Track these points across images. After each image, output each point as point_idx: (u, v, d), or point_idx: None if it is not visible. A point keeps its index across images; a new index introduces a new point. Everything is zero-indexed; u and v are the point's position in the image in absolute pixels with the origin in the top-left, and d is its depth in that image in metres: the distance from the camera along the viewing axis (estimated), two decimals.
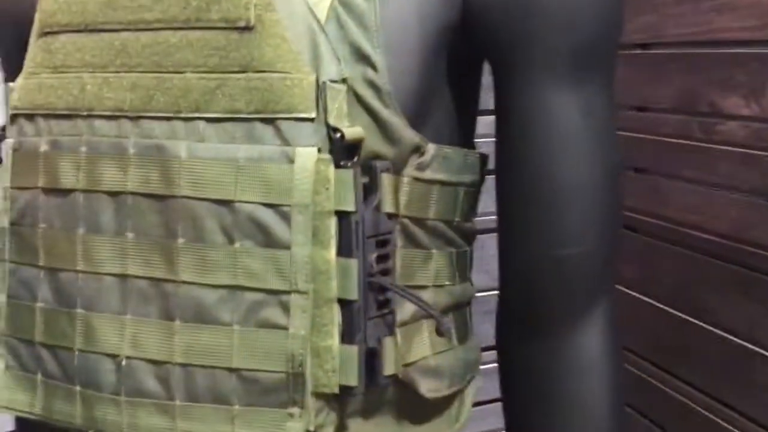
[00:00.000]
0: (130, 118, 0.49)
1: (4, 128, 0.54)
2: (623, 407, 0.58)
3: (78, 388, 0.50)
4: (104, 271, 0.49)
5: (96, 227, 0.49)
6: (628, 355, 1.32)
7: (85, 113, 0.50)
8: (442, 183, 0.53)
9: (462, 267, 0.58)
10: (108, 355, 0.49)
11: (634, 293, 1.31)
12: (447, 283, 0.56)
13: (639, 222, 1.27)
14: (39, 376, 0.52)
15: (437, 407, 0.56)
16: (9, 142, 0.53)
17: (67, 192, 0.50)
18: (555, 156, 0.53)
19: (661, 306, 1.25)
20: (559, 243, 0.54)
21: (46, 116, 0.51)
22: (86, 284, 0.50)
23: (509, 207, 0.56)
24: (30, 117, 0.52)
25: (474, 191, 0.58)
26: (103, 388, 0.50)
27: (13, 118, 0.53)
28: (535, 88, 0.53)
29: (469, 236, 0.59)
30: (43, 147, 0.51)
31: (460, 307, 0.59)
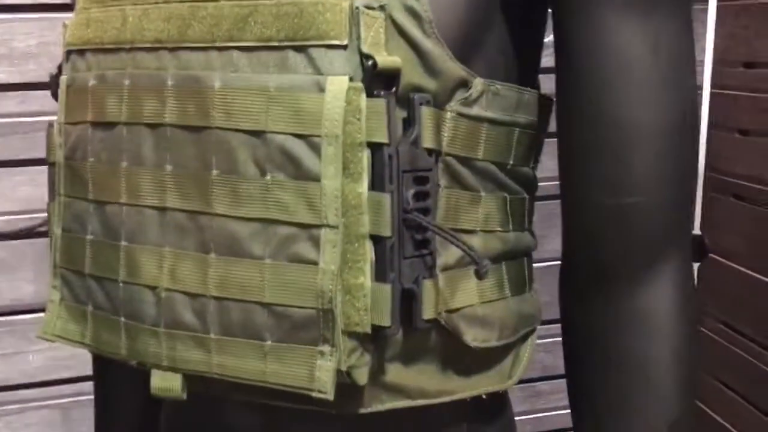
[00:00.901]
0: (169, 50, 0.48)
1: (60, 66, 0.56)
2: (694, 384, 0.54)
3: (122, 319, 0.51)
4: (145, 203, 0.50)
5: (138, 160, 0.50)
6: (735, 337, 1.23)
7: (128, 46, 0.50)
8: (493, 121, 0.50)
9: (518, 215, 0.55)
10: (148, 286, 0.50)
11: (740, 267, 1.21)
12: (498, 229, 0.53)
13: (745, 189, 1.17)
14: (89, 308, 0.53)
15: (486, 360, 0.54)
16: (63, 78, 0.54)
17: (112, 125, 0.51)
18: (618, 94, 0.49)
19: None
20: (623, 191, 0.50)
21: (95, 51, 0.52)
22: (129, 216, 0.50)
23: (570, 153, 0.53)
24: (81, 53, 0.53)
25: (532, 134, 0.55)
26: (145, 320, 0.50)
27: (67, 55, 0.54)
28: (599, 20, 0.49)
29: (527, 183, 0.56)
30: (92, 82, 0.52)
31: (515, 257, 0.56)
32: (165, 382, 0.50)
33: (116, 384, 0.70)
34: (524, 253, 0.57)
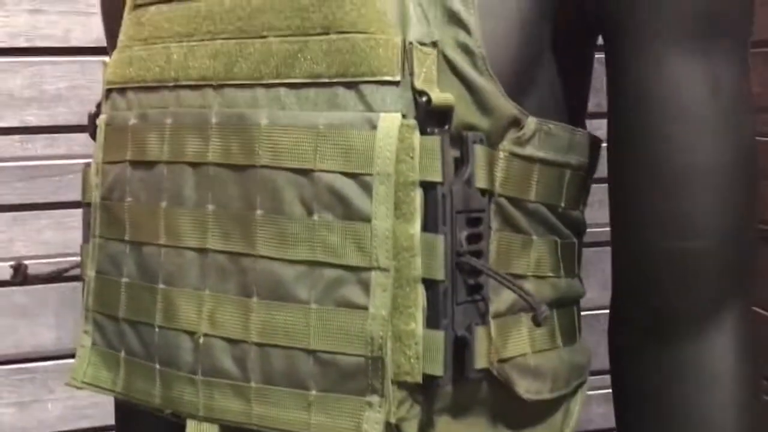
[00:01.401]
0: (214, 87, 0.47)
1: (99, 105, 0.55)
2: None
3: (157, 366, 0.49)
4: (185, 245, 0.48)
5: (178, 200, 0.48)
6: None
7: (171, 84, 0.49)
8: (545, 162, 0.49)
9: (568, 260, 0.53)
10: (186, 332, 0.48)
11: None
12: (550, 274, 0.51)
13: None
14: (122, 354, 0.51)
15: (538, 413, 0.51)
16: (102, 117, 0.53)
17: (152, 164, 0.50)
18: (676, 134, 0.48)
19: None
20: (679, 234, 0.48)
21: (137, 90, 0.51)
22: (168, 259, 0.49)
23: (622, 194, 0.51)
24: (122, 91, 0.52)
25: (582, 175, 0.53)
26: (181, 367, 0.48)
27: (108, 93, 0.53)
28: (656, 58, 0.48)
29: (577, 226, 0.54)
30: (132, 120, 0.51)
31: (566, 304, 0.53)
32: None
33: None
34: (574, 301, 0.55)
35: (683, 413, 0.50)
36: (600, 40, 0.52)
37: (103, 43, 0.61)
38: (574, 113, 0.54)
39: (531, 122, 0.47)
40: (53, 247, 1.14)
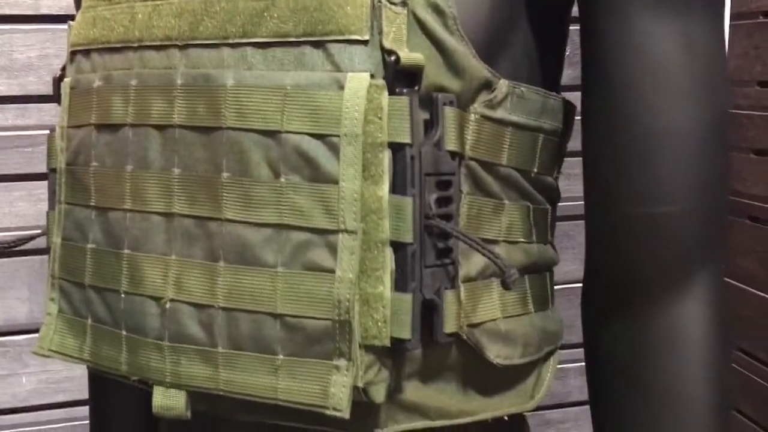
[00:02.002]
0: (179, 47, 0.46)
1: (64, 68, 0.53)
2: (728, 407, 0.51)
3: (124, 332, 0.48)
4: (151, 209, 0.47)
5: (144, 163, 0.47)
6: (755, 364, 1.19)
7: (135, 44, 0.48)
8: (517, 126, 0.48)
9: (541, 226, 0.52)
10: (152, 297, 0.47)
11: (755, 291, 1.19)
12: (522, 240, 0.50)
13: (762, 210, 1.15)
14: (89, 321, 0.50)
15: (509, 378, 0.51)
16: (67, 80, 0.52)
17: (117, 128, 0.48)
18: (648, 96, 0.47)
19: None
20: (651, 199, 0.48)
21: (101, 51, 0.50)
22: (133, 223, 0.48)
23: (595, 159, 0.51)
24: (86, 53, 0.51)
25: (556, 141, 0.52)
26: (148, 333, 0.47)
27: (72, 56, 0.52)
28: (628, 18, 0.47)
29: (550, 193, 0.53)
30: (97, 83, 0.49)
31: (538, 271, 0.53)
32: (168, 400, 0.47)
33: (114, 407, 0.67)
34: (547, 268, 0.54)
35: (654, 382, 0.50)
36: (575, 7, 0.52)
37: (74, 11, 0.60)
38: (549, 78, 0.53)
39: (503, 85, 0.46)
40: (25, 219, 1.12)
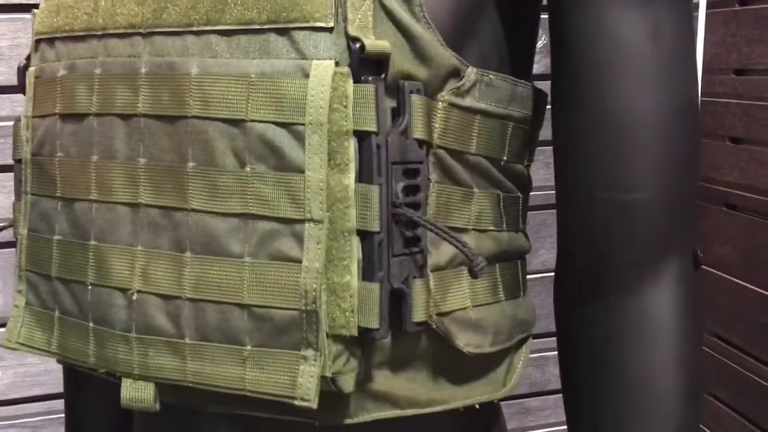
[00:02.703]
0: (143, 35, 0.46)
1: (29, 57, 0.52)
2: (699, 391, 0.51)
3: (91, 324, 0.48)
4: (116, 199, 0.47)
5: (109, 153, 0.47)
6: (730, 350, 1.20)
7: (99, 32, 0.47)
8: (486, 113, 0.48)
9: (511, 214, 0.52)
10: (119, 289, 0.46)
11: (734, 279, 1.19)
12: (492, 228, 0.50)
13: (738, 198, 1.16)
14: (56, 313, 0.50)
15: (480, 367, 0.51)
16: (31, 69, 0.51)
17: (81, 117, 0.48)
18: (617, 83, 0.47)
19: (765, 293, 1.13)
20: (621, 186, 0.48)
21: (65, 39, 0.49)
22: (99, 214, 0.47)
23: (564, 146, 0.51)
24: (50, 41, 0.50)
25: (526, 129, 0.52)
26: (115, 325, 0.47)
27: (37, 44, 0.51)
28: (596, 5, 0.47)
29: (521, 181, 0.53)
30: (61, 72, 0.49)
31: (509, 259, 0.53)
32: (136, 392, 0.47)
33: (87, 400, 0.66)
34: (518, 256, 0.54)
35: (626, 368, 0.50)
36: None
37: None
38: (519, 66, 0.53)
39: (471, 72, 0.46)
40: (0, 211, 1.11)
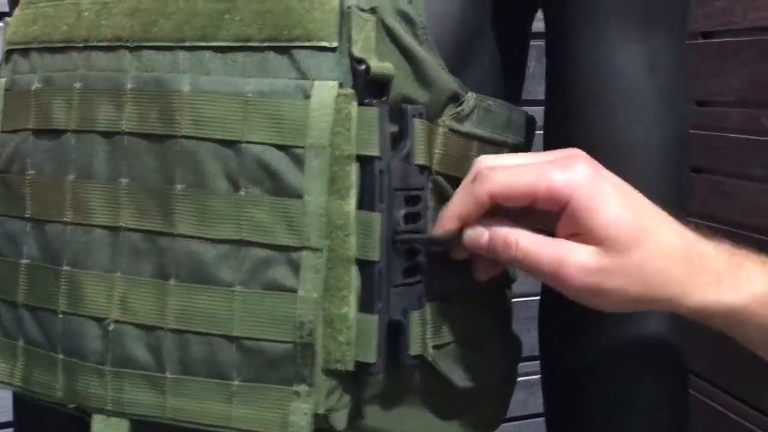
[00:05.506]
0: (130, 49, 0.43)
1: None
2: (686, 424, 0.51)
3: (60, 356, 0.44)
4: (94, 222, 0.43)
5: (88, 172, 0.44)
6: (695, 381, 1.21)
7: (81, 44, 0.44)
8: (483, 140, 0.47)
9: None
10: (94, 318, 0.43)
11: None
12: None
13: (699, 227, 1.17)
14: (21, 343, 0.46)
15: (471, 401, 0.49)
16: (1, 81, 0.48)
17: (58, 133, 0.45)
18: (613, 116, 0.47)
19: None
20: None
21: (41, 50, 0.46)
22: (74, 237, 0.44)
23: None
24: (24, 52, 0.47)
25: None
26: (88, 357, 0.43)
27: (8, 54, 0.48)
28: (596, 38, 0.47)
29: None
30: (36, 85, 0.46)
31: (501, 287, 0.52)
32: (109, 430, 0.43)
33: None
34: (507, 285, 0.53)
35: (618, 394, 0.49)
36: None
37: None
38: (511, 92, 0.52)
39: (470, 98, 0.45)
40: None
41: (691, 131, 1.17)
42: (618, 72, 0.47)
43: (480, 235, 0.41)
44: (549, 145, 0.50)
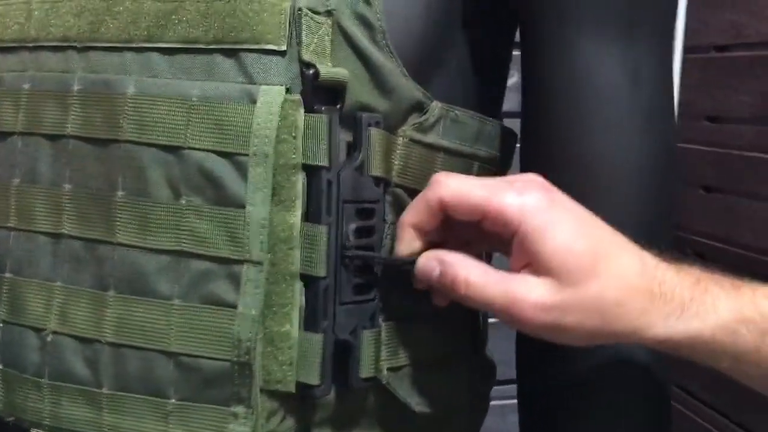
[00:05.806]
0: (78, 50, 0.41)
1: None
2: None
3: (0, 366, 0.43)
4: (38, 228, 0.42)
5: (32, 176, 0.42)
6: (688, 399, 1.17)
7: (31, 44, 0.43)
8: (449, 152, 0.44)
9: None
10: (33, 328, 0.42)
11: None
12: None
13: (709, 248, 1.13)
14: None
15: (434, 426, 0.47)
16: None
17: (5, 135, 0.43)
18: (591, 129, 0.44)
19: None
20: None
21: None
22: (18, 244, 0.42)
23: None
24: None
25: (493, 170, 0.49)
26: (26, 368, 0.42)
27: None
28: (572, 46, 0.44)
29: None
30: None
31: (469, 309, 0.49)
32: None
33: None
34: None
35: (593, 419, 0.46)
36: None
37: None
38: (487, 103, 0.49)
39: (435, 107, 0.43)
40: None
41: (701, 148, 1.13)
42: (596, 82, 0.44)
43: (432, 269, 0.39)
44: (525, 157, 0.48)
